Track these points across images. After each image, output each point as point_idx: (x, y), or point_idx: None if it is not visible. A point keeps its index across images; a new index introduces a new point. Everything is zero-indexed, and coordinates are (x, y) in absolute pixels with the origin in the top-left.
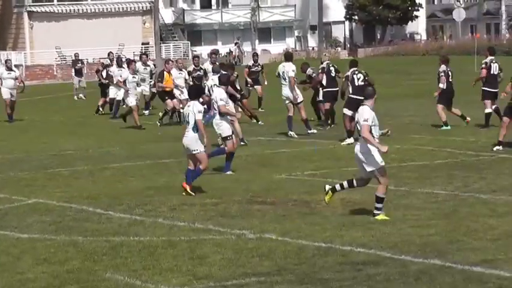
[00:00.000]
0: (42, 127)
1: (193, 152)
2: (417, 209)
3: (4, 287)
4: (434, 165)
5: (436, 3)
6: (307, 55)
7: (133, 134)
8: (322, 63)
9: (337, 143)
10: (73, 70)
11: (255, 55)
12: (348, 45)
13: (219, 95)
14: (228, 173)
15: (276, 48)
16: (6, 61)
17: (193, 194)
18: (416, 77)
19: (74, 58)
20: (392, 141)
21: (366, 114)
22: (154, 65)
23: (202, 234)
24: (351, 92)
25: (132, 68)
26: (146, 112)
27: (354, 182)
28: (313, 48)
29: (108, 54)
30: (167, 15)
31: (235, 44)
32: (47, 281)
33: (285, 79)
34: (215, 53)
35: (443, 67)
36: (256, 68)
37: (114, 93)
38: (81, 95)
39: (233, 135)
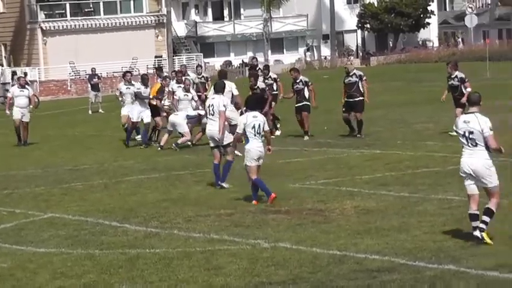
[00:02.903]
0: (57, 142)
1: None
2: (431, 215)
3: None
4: (447, 171)
5: (448, 9)
6: (320, 64)
7: (147, 148)
8: (349, 72)
9: (350, 152)
10: (89, 85)
11: (198, 67)
12: (361, 54)
13: None
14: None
15: (288, 58)
16: (18, 78)
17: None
18: (428, 83)
19: (90, 73)
20: (406, 148)
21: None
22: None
23: (217, 244)
24: None
25: (126, 78)
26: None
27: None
28: (325, 58)
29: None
30: (180, 28)
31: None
32: None
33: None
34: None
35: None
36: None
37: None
38: (100, 110)
39: None
